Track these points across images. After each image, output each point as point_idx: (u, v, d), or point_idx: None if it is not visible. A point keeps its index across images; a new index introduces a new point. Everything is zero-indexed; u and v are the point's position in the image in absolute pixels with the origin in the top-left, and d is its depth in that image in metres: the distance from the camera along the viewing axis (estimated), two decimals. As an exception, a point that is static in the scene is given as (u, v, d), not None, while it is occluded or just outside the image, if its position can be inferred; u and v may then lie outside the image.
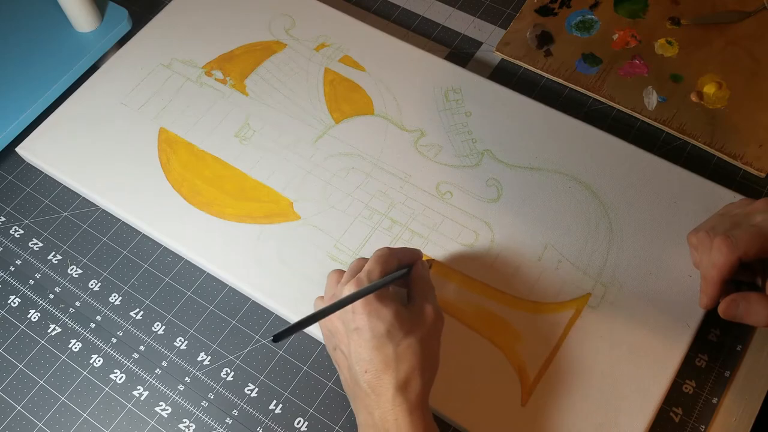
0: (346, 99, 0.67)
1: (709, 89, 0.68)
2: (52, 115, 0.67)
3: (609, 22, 0.73)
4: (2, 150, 0.67)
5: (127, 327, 0.59)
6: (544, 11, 0.74)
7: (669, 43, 0.71)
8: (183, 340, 0.58)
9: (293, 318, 0.57)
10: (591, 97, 0.69)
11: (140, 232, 0.63)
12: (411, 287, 0.51)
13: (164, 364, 0.57)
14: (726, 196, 0.60)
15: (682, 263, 0.58)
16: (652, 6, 0.73)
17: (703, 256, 0.51)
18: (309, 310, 0.57)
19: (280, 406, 0.56)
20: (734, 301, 0.48)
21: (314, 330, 0.56)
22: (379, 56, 0.69)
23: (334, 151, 0.64)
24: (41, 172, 0.67)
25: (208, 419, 0.55)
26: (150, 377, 0.57)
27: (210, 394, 0.56)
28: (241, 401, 0.56)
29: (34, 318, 0.60)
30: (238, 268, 0.59)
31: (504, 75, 0.71)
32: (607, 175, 0.62)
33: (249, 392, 0.56)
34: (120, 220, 0.64)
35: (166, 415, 0.55)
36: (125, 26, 0.72)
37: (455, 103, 0.66)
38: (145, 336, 0.58)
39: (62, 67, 0.69)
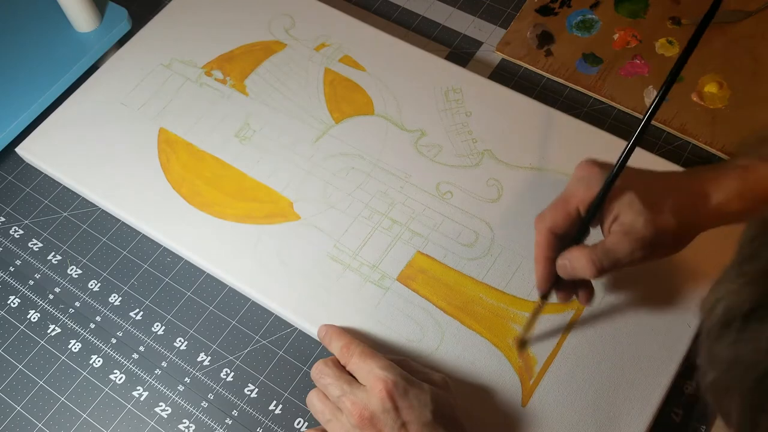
0: (346, 99, 0.67)
1: (710, 89, 0.68)
2: (52, 115, 0.67)
3: (609, 21, 0.73)
4: (2, 150, 0.66)
5: (127, 327, 0.59)
6: (544, 11, 0.74)
7: (670, 42, 0.71)
8: (183, 340, 0.58)
9: (293, 318, 0.57)
10: (591, 96, 0.69)
11: (140, 233, 0.63)
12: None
13: (164, 364, 0.57)
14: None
15: (684, 263, 0.58)
16: (652, 6, 0.73)
17: None
18: (309, 311, 0.57)
19: (280, 406, 0.55)
20: (561, 264, 0.48)
21: (313, 329, 0.56)
22: (379, 56, 0.69)
23: (334, 151, 0.64)
24: (41, 173, 0.66)
25: (208, 420, 0.55)
26: (150, 378, 0.57)
27: (210, 394, 0.56)
28: (241, 402, 0.56)
29: (34, 318, 0.60)
30: (238, 269, 0.59)
31: (504, 75, 0.71)
32: (607, 175, 0.62)
33: (249, 393, 0.56)
34: (120, 220, 0.63)
35: (165, 416, 0.55)
36: (125, 26, 0.72)
37: (455, 103, 0.66)
38: (145, 336, 0.58)
39: (62, 67, 0.69)
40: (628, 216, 0.46)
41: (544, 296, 0.51)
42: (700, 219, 0.48)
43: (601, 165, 0.49)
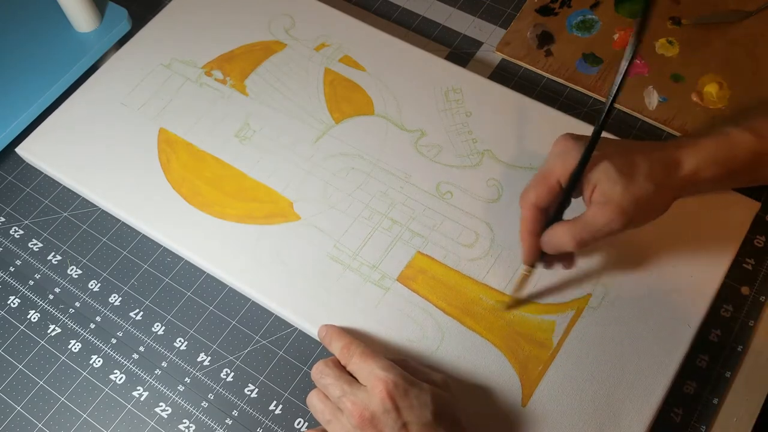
0: (346, 99, 0.67)
1: (710, 89, 0.68)
2: (52, 115, 0.67)
3: (610, 21, 0.73)
4: (2, 150, 0.67)
5: (127, 327, 0.59)
6: (544, 11, 0.74)
7: (670, 42, 0.71)
8: (183, 340, 0.58)
9: (293, 318, 0.57)
10: (592, 97, 0.69)
11: (140, 233, 0.63)
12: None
13: (164, 364, 0.57)
14: (726, 196, 0.60)
15: (683, 263, 0.58)
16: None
17: None
18: (309, 311, 0.57)
19: (280, 406, 0.55)
20: (545, 241, 0.51)
21: (313, 329, 0.56)
22: (379, 56, 0.69)
23: (334, 151, 0.64)
24: (41, 173, 0.67)
25: (208, 420, 0.55)
26: (150, 378, 0.57)
27: (210, 394, 0.56)
28: (241, 402, 0.56)
29: (34, 318, 0.60)
30: (238, 269, 0.59)
31: (504, 75, 0.71)
32: (607, 175, 0.62)
33: (249, 393, 0.56)
34: (120, 220, 0.63)
35: (165, 416, 0.55)
36: (125, 26, 0.72)
37: (455, 103, 0.66)
38: (145, 336, 0.58)
39: (62, 67, 0.69)
40: (605, 185, 0.48)
41: (531, 265, 0.54)
42: (674, 184, 0.49)
43: (577, 138, 0.51)
